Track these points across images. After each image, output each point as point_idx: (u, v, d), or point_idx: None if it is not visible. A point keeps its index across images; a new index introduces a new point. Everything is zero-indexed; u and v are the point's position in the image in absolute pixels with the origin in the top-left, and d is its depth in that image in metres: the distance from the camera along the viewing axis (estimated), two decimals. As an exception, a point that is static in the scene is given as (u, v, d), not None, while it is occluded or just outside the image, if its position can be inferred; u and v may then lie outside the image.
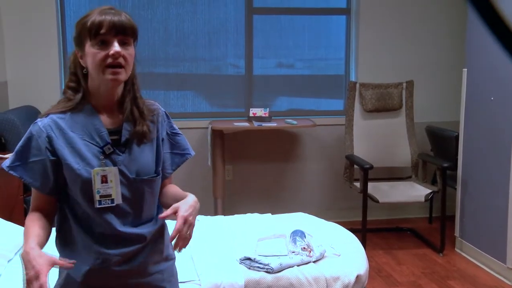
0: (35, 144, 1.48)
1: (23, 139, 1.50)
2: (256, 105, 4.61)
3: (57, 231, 1.58)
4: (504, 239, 3.52)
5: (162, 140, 1.61)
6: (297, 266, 2.51)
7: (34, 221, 1.48)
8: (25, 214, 3.31)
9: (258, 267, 2.48)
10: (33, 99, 4.16)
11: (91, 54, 1.45)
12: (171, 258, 1.66)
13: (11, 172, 1.50)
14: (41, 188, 1.51)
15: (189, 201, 1.48)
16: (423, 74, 4.70)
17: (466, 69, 3.93)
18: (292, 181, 4.71)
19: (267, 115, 4.44)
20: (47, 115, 1.51)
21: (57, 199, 1.55)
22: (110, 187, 1.48)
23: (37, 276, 1.31)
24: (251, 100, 4.68)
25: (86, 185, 1.47)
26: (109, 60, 1.44)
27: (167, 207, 1.51)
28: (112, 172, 1.49)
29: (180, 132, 1.68)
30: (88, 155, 1.48)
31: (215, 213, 4.26)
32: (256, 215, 3.28)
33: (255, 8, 4.58)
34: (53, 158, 1.48)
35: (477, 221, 3.85)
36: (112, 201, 1.49)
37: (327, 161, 4.72)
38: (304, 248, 2.60)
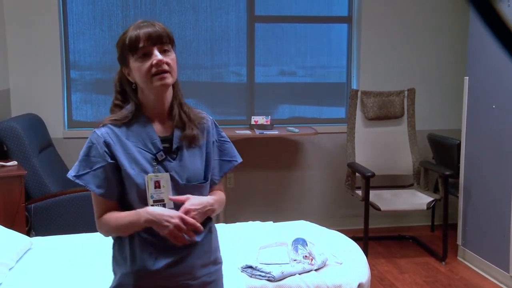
0: (96, 151, 1.55)
1: (84, 148, 1.57)
2: (257, 113, 4.62)
3: (114, 238, 1.65)
4: (507, 248, 3.50)
5: (212, 146, 1.69)
6: (299, 274, 2.50)
7: (116, 212, 1.56)
8: (27, 222, 3.33)
9: (260, 275, 2.48)
10: (36, 107, 4.17)
11: (136, 68, 1.54)
12: (218, 262, 1.72)
13: (78, 181, 1.55)
14: (106, 194, 1.56)
15: (204, 199, 1.58)
16: (424, 82, 4.70)
17: (467, 77, 3.93)
18: (294, 189, 4.71)
19: (268, 123, 4.45)
20: (104, 124, 1.58)
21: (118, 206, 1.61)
22: (162, 192, 1.55)
23: (173, 216, 1.47)
24: (253, 108, 4.68)
25: (141, 190, 1.54)
26: (154, 69, 1.52)
27: None
28: (164, 178, 1.55)
29: (229, 140, 1.77)
30: (142, 161, 1.55)
31: (217, 221, 4.26)
32: (257, 223, 3.28)
33: (257, 16, 4.59)
34: (112, 161, 1.54)
35: (480, 230, 3.84)
36: (164, 206, 1.55)
37: (328, 169, 4.71)
38: (305, 256, 2.59)
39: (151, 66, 1.52)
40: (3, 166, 3.35)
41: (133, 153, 1.55)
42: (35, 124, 3.91)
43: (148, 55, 1.53)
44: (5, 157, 3.51)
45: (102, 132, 1.56)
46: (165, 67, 1.52)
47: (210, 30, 4.53)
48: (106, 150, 1.54)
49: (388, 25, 4.67)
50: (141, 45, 1.52)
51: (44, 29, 4.20)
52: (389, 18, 4.66)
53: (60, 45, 4.26)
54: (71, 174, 1.56)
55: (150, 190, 1.53)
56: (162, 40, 1.54)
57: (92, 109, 4.44)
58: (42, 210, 3.44)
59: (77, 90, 4.45)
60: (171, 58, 1.55)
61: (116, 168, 1.55)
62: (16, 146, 3.50)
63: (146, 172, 1.54)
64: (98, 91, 4.46)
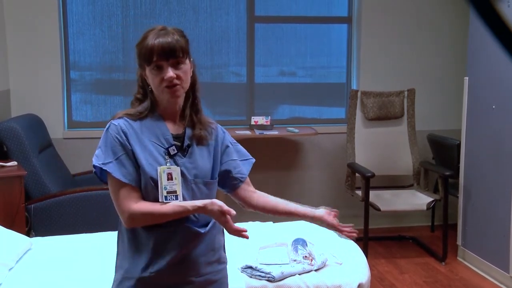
0: (116, 140, 1.60)
1: (104, 140, 1.61)
2: (257, 113, 4.62)
3: (119, 231, 1.69)
4: (506, 248, 3.50)
5: (226, 149, 1.77)
6: (299, 274, 2.50)
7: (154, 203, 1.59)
8: (27, 223, 3.33)
9: (260, 275, 2.48)
10: (36, 107, 4.17)
11: (150, 77, 1.61)
12: (223, 261, 1.76)
13: (105, 167, 1.57)
14: (133, 180, 1.59)
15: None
16: (424, 82, 4.70)
17: (467, 78, 3.93)
18: (294, 189, 4.71)
19: (268, 123, 4.45)
20: (120, 117, 1.63)
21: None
22: (175, 184, 1.60)
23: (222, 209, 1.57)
24: (253, 108, 4.68)
25: (153, 181, 1.59)
26: (165, 84, 1.58)
27: (265, 211, 1.79)
28: (176, 171, 1.61)
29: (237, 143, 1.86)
30: (155, 153, 1.62)
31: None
32: (257, 223, 3.28)
33: (257, 17, 4.59)
34: (131, 148, 1.60)
35: (479, 230, 3.84)
36: (177, 197, 1.60)
37: (328, 169, 4.71)
38: (305, 256, 2.59)
39: (162, 79, 1.58)
40: (3, 166, 3.35)
41: (147, 145, 1.61)
42: (35, 124, 3.91)
43: (161, 68, 1.58)
44: (5, 157, 3.51)
45: (119, 122, 1.61)
46: (175, 82, 1.58)
47: (210, 30, 4.53)
48: (125, 138, 1.59)
49: (388, 25, 4.67)
50: (154, 59, 1.57)
51: (44, 29, 4.20)
52: (389, 18, 4.66)
53: (60, 45, 4.26)
54: (97, 162, 1.58)
55: (163, 181, 1.58)
56: (175, 54, 1.58)
57: (92, 109, 4.43)
58: (42, 211, 3.44)
59: (77, 91, 4.45)
60: (183, 70, 1.60)
61: (134, 157, 1.60)
62: (16, 147, 3.50)
63: (159, 164, 1.60)
64: (98, 91, 4.45)
